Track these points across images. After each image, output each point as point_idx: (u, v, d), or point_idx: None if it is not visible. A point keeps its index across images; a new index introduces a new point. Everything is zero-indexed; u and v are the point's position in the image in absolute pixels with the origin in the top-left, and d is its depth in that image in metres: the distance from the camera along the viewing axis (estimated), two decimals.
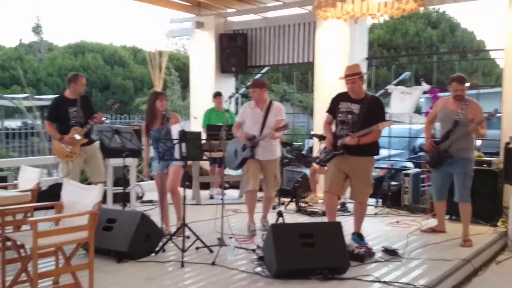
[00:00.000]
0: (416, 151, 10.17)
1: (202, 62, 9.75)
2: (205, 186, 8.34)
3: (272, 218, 5.87)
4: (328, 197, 5.36)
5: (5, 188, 5.39)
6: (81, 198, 4.01)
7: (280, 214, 5.59)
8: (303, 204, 7.37)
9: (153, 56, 9.32)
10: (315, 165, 7.50)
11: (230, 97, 5.96)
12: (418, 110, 9.72)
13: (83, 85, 6.12)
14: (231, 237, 5.30)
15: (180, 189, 5.44)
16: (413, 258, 4.95)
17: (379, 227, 6.27)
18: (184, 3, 9.32)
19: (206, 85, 9.63)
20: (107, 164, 7.12)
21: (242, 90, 11.11)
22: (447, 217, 6.34)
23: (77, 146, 6.04)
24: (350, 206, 6.67)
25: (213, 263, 4.68)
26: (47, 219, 4.03)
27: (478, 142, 8.32)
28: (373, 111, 5.11)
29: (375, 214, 7.01)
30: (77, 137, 5.99)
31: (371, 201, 7.26)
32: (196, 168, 7.86)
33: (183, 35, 15.66)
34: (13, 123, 18.06)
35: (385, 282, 4.27)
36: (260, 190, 5.93)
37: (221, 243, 5.12)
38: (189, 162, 7.35)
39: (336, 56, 8.04)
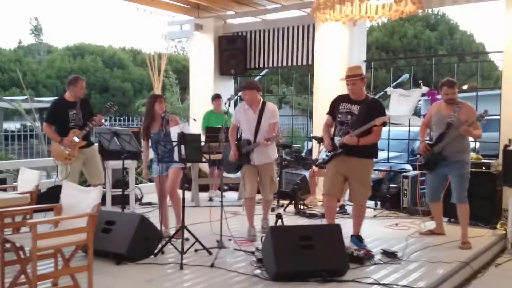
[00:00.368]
0: (415, 154, 10.16)
1: (202, 65, 9.76)
2: (204, 188, 8.35)
3: (271, 220, 5.87)
4: (327, 199, 5.36)
5: (4, 190, 5.38)
6: (80, 200, 4.01)
7: (279, 216, 5.58)
8: (302, 207, 7.37)
9: (152, 59, 9.33)
10: (314, 168, 7.51)
11: (229, 99, 5.95)
12: (417, 113, 9.73)
13: (82, 88, 6.12)
14: (230, 239, 5.30)
15: (179, 191, 5.44)
16: (412, 261, 4.95)
17: (378, 230, 6.27)
18: (184, 6, 9.33)
19: (206, 87, 9.64)
20: (106, 166, 7.12)
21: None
22: (445, 219, 6.35)
23: (76, 148, 6.04)
24: (349, 209, 6.68)
25: (212, 265, 4.68)
26: (46, 221, 4.04)
27: (477, 145, 8.34)
28: (373, 112, 5.11)
29: (374, 216, 7.02)
30: (76, 139, 6.00)
31: (370, 203, 7.27)
32: (195, 170, 7.86)
33: (183, 38, 15.67)
34: (12, 125, 18.05)
35: (384, 285, 4.27)
36: (259, 192, 5.93)
37: (220, 245, 5.12)
38: (189, 164, 7.35)
39: (335, 58, 8.06)
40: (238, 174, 6.18)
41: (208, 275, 4.46)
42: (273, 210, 6.86)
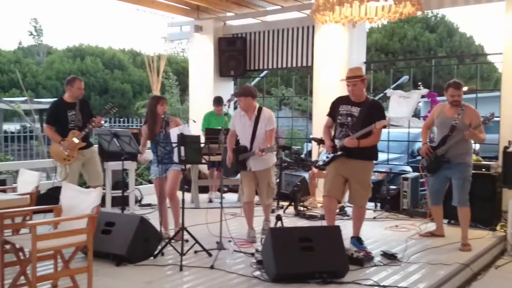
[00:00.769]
0: (414, 155, 10.18)
1: (201, 66, 9.76)
2: (204, 189, 8.34)
3: (272, 221, 5.86)
4: (327, 201, 5.35)
5: (4, 191, 5.38)
6: (80, 202, 4.01)
7: (279, 218, 5.58)
8: (302, 208, 7.37)
9: (151, 60, 9.33)
10: (314, 169, 7.51)
11: (229, 100, 5.95)
12: (416, 114, 9.73)
13: (80, 89, 6.14)
14: (230, 241, 5.29)
15: (179, 193, 5.44)
16: (412, 262, 4.94)
17: (378, 231, 6.27)
18: (183, 7, 9.33)
19: (205, 88, 9.64)
20: (106, 168, 7.13)
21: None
22: (445, 221, 6.35)
23: (75, 149, 6.05)
24: (349, 210, 6.68)
25: (211, 267, 4.67)
26: (46, 222, 4.02)
27: (477, 147, 8.34)
28: (373, 114, 5.11)
29: (374, 218, 7.02)
30: (75, 140, 6.00)
31: (370, 205, 7.26)
32: (195, 172, 7.86)
33: (182, 39, 15.67)
34: (12, 127, 18.04)
35: (384, 286, 4.27)
36: (257, 194, 5.92)
37: (220, 246, 5.12)
38: (188, 166, 7.35)
39: (334, 60, 8.06)
40: (238, 175, 6.18)
41: (207, 276, 4.46)
42: (273, 211, 6.85)
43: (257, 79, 12.44)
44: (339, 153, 5.23)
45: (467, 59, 20.95)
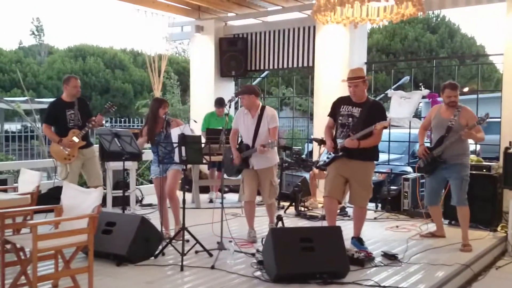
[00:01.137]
0: (415, 156, 10.17)
1: (202, 66, 9.76)
2: (204, 189, 8.34)
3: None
4: (328, 201, 5.35)
5: (5, 191, 5.38)
6: (81, 202, 4.01)
7: (279, 218, 5.58)
8: (302, 208, 7.37)
9: (152, 60, 9.34)
10: (314, 170, 7.51)
11: (230, 100, 5.95)
12: (417, 115, 9.73)
13: (76, 87, 6.15)
14: (230, 241, 5.29)
15: (180, 193, 5.44)
16: (413, 263, 4.94)
17: (379, 232, 6.27)
18: (184, 7, 9.34)
19: (206, 89, 9.65)
20: (106, 168, 7.13)
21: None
22: (446, 222, 6.35)
23: (75, 148, 6.07)
24: (350, 211, 6.67)
25: (212, 267, 4.68)
26: (46, 222, 4.03)
27: (478, 147, 8.34)
28: (374, 115, 5.11)
29: (375, 218, 7.02)
30: (75, 139, 6.03)
31: (371, 205, 7.26)
32: (196, 172, 7.86)
33: (183, 39, 15.67)
34: (13, 126, 18.06)
35: (384, 287, 4.27)
36: (259, 194, 5.92)
37: (221, 247, 5.11)
38: (189, 166, 7.35)
39: (335, 60, 8.07)
40: (239, 176, 6.18)
41: (208, 276, 4.46)
42: None
43: (258, 79, 12.44)
44: (339, 153, 5.23)
45: (468, 59, 20.95)
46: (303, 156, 9.41)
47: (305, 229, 5.49)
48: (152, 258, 4.93)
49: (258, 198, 6.00)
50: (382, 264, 4.88)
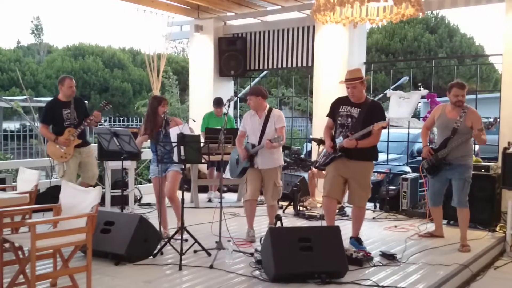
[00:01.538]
0: (414, 156, 10.19)
1: (201, 66, 9.76)
2: (203, 189, 8.34)
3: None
4: (327, 201, 5.35)
5: (3, 190, 5.38)
6: (80, 201, 4.01)
7: (278, 218, 5.58)
8: (301, 208, 7.37)
9: (151, 59, 9.33)
10: (313, 169, 7.51)
11: (229, 100, 5.95)
12: (416, 115, 9.73)
13: (70, 87, 6.23)
14: (229, 241, 5.29)
15: (178, 192, 5.44)
16: (411, 263, 4.95)
17: (378, 232, 6.28)
18: (184, 7, 9.33)
19: (205, 88, 9.65)
20: (105, 167, 7.14)
21: (241, 93, 11.12)
22: (445, 222, 6.35)
23: (71, 146, 6.16)
24: (349, 211, 6.68)
25: (211, 266, 4.68)
26: (45, 221, 4.03)
27: (476, 147, 8.34)
28: (373, 115, 5.11)
29: (374, 218, 7.02)
30: (71, 137, 6.11)
31: (369, 205, 7.26)
32: (195, 172, 7.86)
33: (182, 39, 15.66)
34: (12, 125, 18.02)
35: (383, 287, 4.27)
36: (261, 194, 5.92)
37: (219, 246, 5.12)
38: (188, 165, 7.35)
39: (335, 60, 8.07)
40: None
41: (207, 276, 4.46)
42: None
43: (257, 79, 12.43)
44: (338, 154, 5.23)
45: (467, 59, 20.97)
46: (302, 156, 9.40)
47: (304, 228, 5.49)
48: (151, 257, 4.93)
49: (260, 198, 5.99)
50: (381, 264, 4.88)
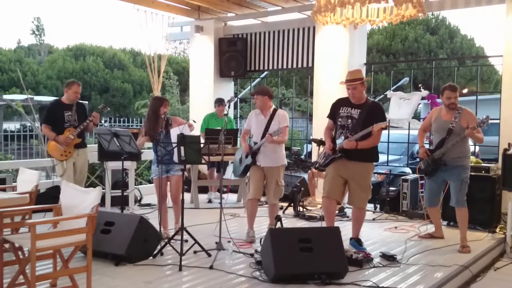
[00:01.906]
0: (414, 157, 10.18)
1: (202, 66, 9.76)
2: (203, 190, 8.34)
3: None
4: (327, 202, 5.35)
5: (3, 190, 5.38)
6: (80, 201, 4.01)
7: (278, 218, 5.58)
8: (301, 209, 7.37)
9: (151, 60, 9.34)
10: (313, 170, 7.51)
11: (229, 101, 5.96)
12: (417, 116, 9.73)
13: (76, 93, 6.39)
14: (229, 241, 5.29)
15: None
16: (411, 264, 4.94)
17: (378, 233, 6.27)
18: (184, 7, 9.34)
19: (206, 89, 9.65)
20: (105, 167, 7.15)
21: (241, 94, 11.12)
22: (444, 223, 6.35)
23: (72, 145, 6.27)
24: (349, 211, 6.68)
25: (211, 267, 4.68)
26: (45, 221, 4.03)
27: (477, 149, 8.35)
28: (373, 116, 5.10)
29: (374, 219, 7.02)
30: (71, 136, 6.22)
31: (370, 206, 7.26)
32: (195, 172, 7.86)
33: (183, 39, 15.66)
34: (12, 125, 18.03)
35: None
36: (264, 194, 5.92)
37: (219, 247, 5.12)
38: (188, 166, 7.35)
39: (335, 61, 8.07)
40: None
41: (207, 276, 4.46)
42: None
43: (258, 79, 12.44)
44: (337, 155, 5.23)
45: (468, 60, 20.97)
46: (302, 156, 9.41)
47: (304, 229, 5.49)
48: (151, 258, 4.93)
49: (263, 199, 6.00)
50: (381, 265, 4.88)
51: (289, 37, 9.07)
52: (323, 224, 5.46)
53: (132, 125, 15.47)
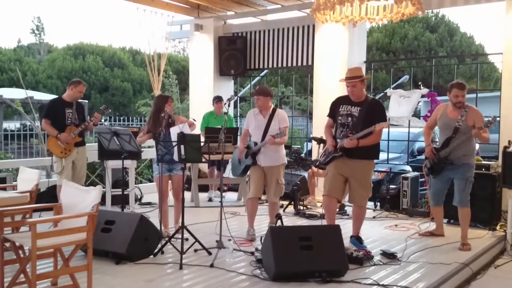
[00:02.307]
0: (414, 155, 10.19)
1: (201, 65, 9.76)
2: (203, 188, 8.34)
3: None
4: (327, 200, 5.35)
5: (4, 189, 5.39)
6: (80, 200, 4.01)
7: (278, 216, 5.58)
8: (301, 207, 7.37)
9: (151, 59, 9.33)
10: (313, 168, 7.51)
11: (229, 99, 5.96)
12: (416, 114, 9.73)
13: (80, 92, 6.41)
14: (229, 240, 5.29)
15: None
16: (412, 262, 4.95)
17: (378, 231, 6.28)
18: (184, 6, 9.34)
19: (205, 87, 9.65)
20: (106, 166, 7.16)
21: (241, 93, 11.12)
22: (445, 221, 6.35)
23: (72, 143, 6.27)
24: (349, 209, 6.68)
25: (211, 265, 4.68)
26: (46, 220, 4.03)
27: (477, 146, 8.34)
28: (373, 114, 5.10)
29: (374, 217, 7.02)
30: (72, 135, 6.23)
31: (370, 204, 7.27)
32: (195, 171, 7.86)
33: (182, 38, 15.65)
34: (12, 125, 18.03)
35: (383, 285, 4.27)
36: (265, 193, 5.93)
37: (220, 245, 5.12)
38: (188, 164, 7.35)
39: (335, 59, 8.07)
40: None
41: (207, 275, 4.46)
42: None
43: (257, 78, 12.43)
44: (338, 153, 5.23)
45: (468, 58, 20.95)
46: (302, 155, 9.40)
47: (304, 227, 5.49)
48: (151, 256, 4.94)
49: (263, 198, 6.00)
50: (381, 263, 4.88)
51: (288, 35, 9.06)
52: (324, 222, 5.46)
53: (132, 124, 15.48)
